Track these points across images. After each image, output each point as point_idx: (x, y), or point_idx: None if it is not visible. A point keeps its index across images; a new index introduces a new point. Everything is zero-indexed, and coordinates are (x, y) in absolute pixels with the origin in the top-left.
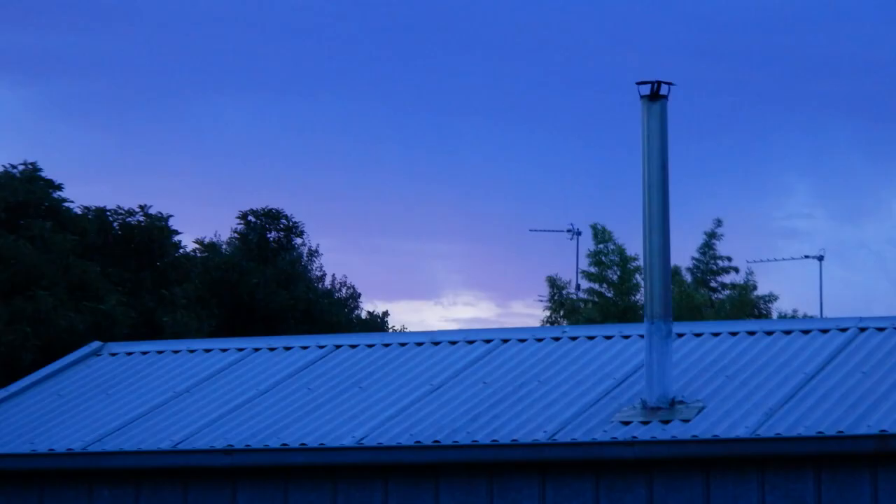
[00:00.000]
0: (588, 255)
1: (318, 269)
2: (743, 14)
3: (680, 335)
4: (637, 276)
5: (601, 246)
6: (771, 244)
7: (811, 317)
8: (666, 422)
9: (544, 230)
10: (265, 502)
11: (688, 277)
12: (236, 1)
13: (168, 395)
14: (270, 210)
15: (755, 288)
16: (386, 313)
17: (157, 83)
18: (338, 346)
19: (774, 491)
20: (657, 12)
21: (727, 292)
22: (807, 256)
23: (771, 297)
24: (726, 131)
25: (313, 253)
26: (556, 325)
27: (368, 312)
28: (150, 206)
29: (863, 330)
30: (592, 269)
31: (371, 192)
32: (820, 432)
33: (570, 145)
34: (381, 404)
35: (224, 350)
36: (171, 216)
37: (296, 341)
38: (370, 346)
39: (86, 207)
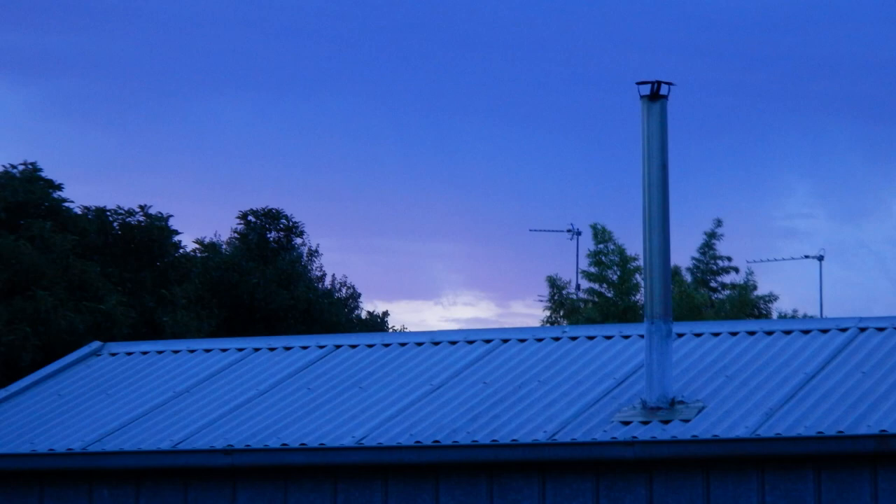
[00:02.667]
0: (588, 255)
1: (318, 269)
2: (743, 14)
3: (680, 335)
4: (637, 276)
5: (601, 246)
6: (771, 244)
7: (811, 317)
8: (666, 422)
9: (544, 230)
10: (265, 502)
11: (688, 277)
12: (236, 1)
13: (168, 395)
14: (270, 210)
15: (755, 288)
16: (386, 313)
17: (157, 83)
18: (338, 346)
19: (774, 491)
20: (657, 12)
21: (727, 292)
22: (807, 256)
23: (771, 297)
24: (726, 131)
25: (313, 253)
26: (556, 325)
27: (368, 312)
28: (150, 206)
29: (863, 330)
30: (592, 269)
31: (371, 192)
32: (820, 432)
33: (570, 145)
34: (381, 404)
35: (224, 350)
36: (171, 216)
37: (296, 341)
38: (370, 346)
39: (86, 207)
